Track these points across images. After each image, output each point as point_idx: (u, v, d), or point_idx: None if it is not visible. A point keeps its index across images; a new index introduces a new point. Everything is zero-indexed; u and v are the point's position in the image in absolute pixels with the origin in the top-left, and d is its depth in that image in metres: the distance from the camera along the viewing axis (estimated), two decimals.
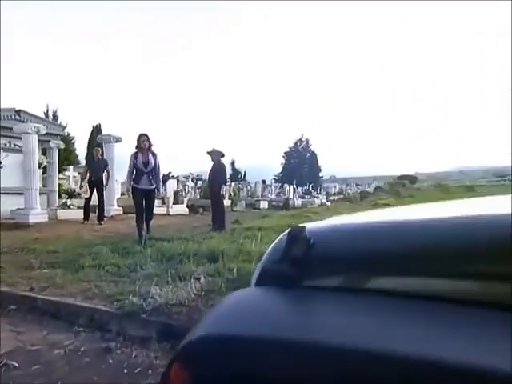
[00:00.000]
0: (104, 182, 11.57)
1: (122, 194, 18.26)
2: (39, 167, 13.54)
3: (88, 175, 11.58)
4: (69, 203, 12.30)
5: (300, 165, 68.70)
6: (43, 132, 11.25)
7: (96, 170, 11.47)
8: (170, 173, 43.81)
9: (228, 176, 11.19)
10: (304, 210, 16.63)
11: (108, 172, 11.60)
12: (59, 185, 14.51)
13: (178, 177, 46.46)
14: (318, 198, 27.40)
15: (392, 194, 27.64)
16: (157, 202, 15.49)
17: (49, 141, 14.01)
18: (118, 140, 13.26)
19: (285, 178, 69.23)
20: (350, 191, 48.14)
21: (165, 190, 17.69)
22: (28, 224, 10.71)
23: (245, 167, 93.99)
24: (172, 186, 18.03)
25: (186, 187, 21.02)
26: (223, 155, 9.75)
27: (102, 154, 12.40)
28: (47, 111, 37.72)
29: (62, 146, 14.37)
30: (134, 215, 8.38)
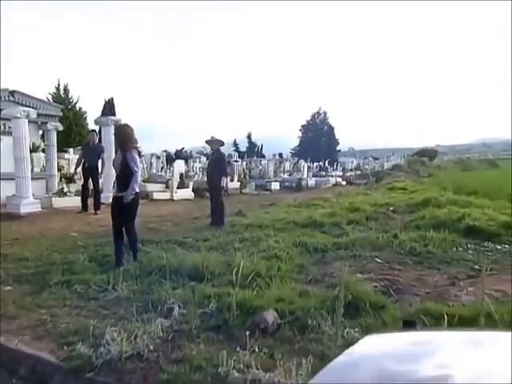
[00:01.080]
0: (99, 170, 10.84)
1: None
2: (36, 150, 12.92)
3: (82, 162, 10.88)
4: (65, 190, 11.66)
5: (317, 138, 67.19)
6: (34, 116, 10.54)
7: (91, 156, 10.74)
8: (183, 148, 43.05)
9: (230, 163, 10.30)
10: (314, 195, 15.70)
11: (103, 159, 10.86)
12: (60, 168, 13.87)
13: (191, 152, 45.85)
14: (332, 176, 26.36)
15: (410, 173, 26.50)
16: (161, 186, 14.82)
17: (46, 123, 13.30)
18: (117, 122, 12.47)
19: (301, 151, 67.99)
20: (367, 166, 46.99)
21: (172, 171, 16.99)
22: (19, 215, 10.12)
23: (262, 140, 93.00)
24: (179, 167, 17.29)
25: (194, 168, 20.25)
26: (223, 144, 8.93)
27: (100, 139, 11.66)
28: (58, 85, 37.07)
29: (61, 127, 13.65)
30: None
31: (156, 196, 13.68)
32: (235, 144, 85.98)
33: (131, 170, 5.65)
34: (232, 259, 5.51)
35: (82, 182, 10.97)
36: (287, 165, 38.07)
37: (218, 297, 4.29)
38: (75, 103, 37.92)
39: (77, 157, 13.81)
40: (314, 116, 70.81)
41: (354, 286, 4.31)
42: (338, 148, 67.62)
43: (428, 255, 6.10)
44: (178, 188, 14.46)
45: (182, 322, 3.89)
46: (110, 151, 12.26)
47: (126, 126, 6.14)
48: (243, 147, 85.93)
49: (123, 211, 5.79)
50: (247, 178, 18.99)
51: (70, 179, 12.91)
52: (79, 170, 11.08)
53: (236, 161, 19.75)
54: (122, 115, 46.03)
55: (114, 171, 6.37)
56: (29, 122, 12.99)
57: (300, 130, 71.72)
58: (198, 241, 7.11)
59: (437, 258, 5.99)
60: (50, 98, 37.49)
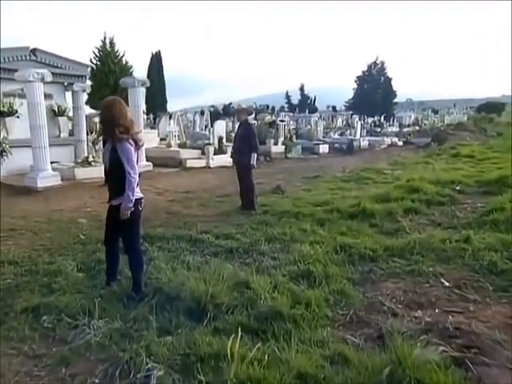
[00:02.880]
0: None
1: (162, 139, 16.51)
2: (62, 114, 11.95)
3: None
4: (90, 159, 10.64)
5: (373, 90, 63.43)
6: (49, 79, 9.40)
7: None
8: (230, 103, 41.38)
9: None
10: (367, 160, 13.92)
11: None
12: (90, 131, 12.85)
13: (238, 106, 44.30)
14: (387, 136, 24.19)
15: (476, 132, 23.87)
16: (197, 152, 13.54)
17: (72, 83, 12.20)
18: (144, 84, 11.19)
19: (356, 104, 64.58)
20: (426, 122, 43.67)
21: (211, 133, 15.69)
22: (36, 189, 9.22)
23: (315, 91, 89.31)
24: (220, 129, 15.95)
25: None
26: (251, 113, 7.45)
27: (126, 100, 10.43)
28: (104, 38, 36.04)
29: (89, 89, 12.53)
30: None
31: (190, 164, 12.47)
32: (287, 96, 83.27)
33: (124, 169, 3.92)
34: (250, 280, 4.20)
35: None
36: (340, 121, 35.83)
37: (214, 358, 3.02)
38: (121, 57, 36.97)
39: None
40: (370, 66, 66.70)
41: (409, 352, 2.91)
42: (394, 100, 63.66)
43: None
44: (215, 154, 13.15)
45: None
46: (137, 117, 11.07)
47: (114, 101, 4.07)
48: (295, 99, 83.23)
49: (120, 225, 4.15)
50: (293, 139, 17.35)
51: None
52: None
53: (282, 120, 18.09)
54: (170, 68, 44.77)
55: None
56: (53, 83, 12.02)
57: (355, 81, 68.07)
58: (219, 237, 5.83)
59: None
60: (96, 51, 36.80)
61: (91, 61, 36.63)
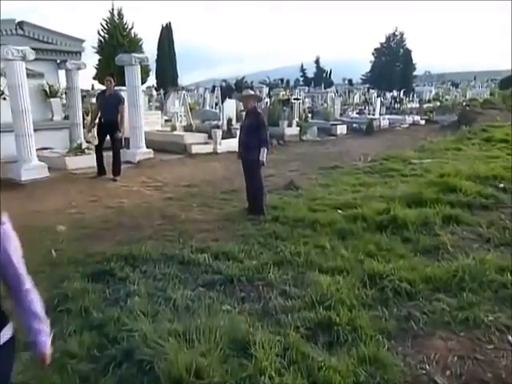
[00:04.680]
0: (119, 125, 8.55)
1: (167, 120, 15.32)
2: (55, 95, 10.84)
3: (99, 116, 8.65)
4: (84, 145, 9.56)
5: (391, 63, 61.00)
6: (31, 57, 8.25)
7: (107, 109, 8.45)
8: (243, 78, 39.80)
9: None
10: (389, 143, 12.61)
11: (122, 113, 8.54)
12: (86, 113, 11.76)
13: (252, 83, 42.60)
14: (408, 114, 22.69)
15: (504, 110, 22.22)
16: (203, 136, 12.35)
17: (65, 61, 11.04)
18: (142, 61, 9.99)
19: (373, 77, 62.26)
20: (447, 97, 41.67)
21: (219, 114, 14.49)
22: (20, 182, 8.21)
23: (331, 64, 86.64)
24: (229, 108, 14.72)
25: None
26: (261, 99, 6.25)
27: (118, 84, 9.29)
28: (112, 9, 34.51)
29: (84, 66, 11.35)
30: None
31: (196, 149, 11.33)
32: (302, 69, 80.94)
33: None
34: (252, 338, 3.12)
35: (95, 141, 8.80)
36: (357, 96, 34.15)
37: None
38: (130, 29, 35.47)
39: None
40: (388, 38, 64.09)
41: None
42: (413, 73, 61.15)
43: None
44: (224, 138, 11.96)
45: None
46: (135, 98, 9.91)
47: None
48: (310, 73, 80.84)
49: None
50: (308, 119, 16.04)
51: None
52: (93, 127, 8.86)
53: (296, 99, 16.76)
54: (181, 40, 43.09)
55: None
56: (44, 60, 10.89)
57: (373, 53, 65.56)
58: (218, 258, 4.74)
59: None
60: (103, 23, 35.33)
61: (99, 33, 35.26)
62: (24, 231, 5.34)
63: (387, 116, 21.31)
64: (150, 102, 24.04)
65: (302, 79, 79.85)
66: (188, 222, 6.14)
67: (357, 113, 21.42)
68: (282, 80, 70.60)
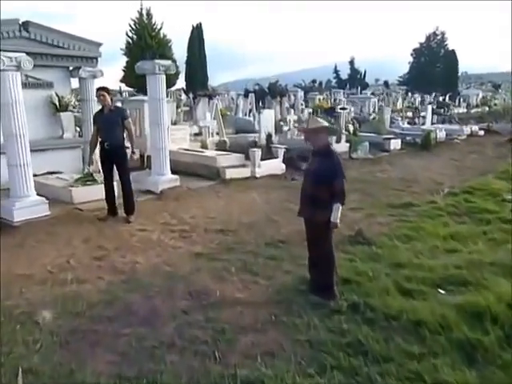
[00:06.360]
0: (125, 149, 6.76)
1: (198, 134, 13.53)
2: (66, 108, 9.19)
3: (99, 141, 6.88)
4: (95, 172, 7.83)
5: (431, 64, 58.12)
6: (29, 67, 6.54)
7: (109, 129, 6.67)
8: (277, 81, 37.67)
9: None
10: (458, 164, 10.47)
11: (128, 129, 6.75)
12: None
13: (286, 86, 40.57)
14: (456, 122, 20.37)
15: None
16: (239, 157, 10.40)
17: (79, 68, 9.37)
18: (167, 69, 8.19)
19: (411, 79, 59.36)
20: (496, 101, 38.75)
21: (258, 124, 12.65)
22: (12, 224, 6.52)
23: (365, 65, 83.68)
24: (267, 120, 12.85)
25: (289, 117, 15.51)
26: (335, 132, 4.45)
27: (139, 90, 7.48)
28: (141, 9, 33.10)
29: (101, 74, 9.67)
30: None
31: (230, 174, 9.49)
32: (336, 70, 78.26)
33: None
34: None
35: (98, 174, 7.08)
36: (399, 102, 31.74)
37: None
38: (159, 30, 34.01)
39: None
40: (428, 38, 61.18)
41: None
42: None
43: None
44: (262, 159, 10.09)
45: None
46: (159, 114, 8.14)
47: None
48: (344, 74, 78.14)
49: None
50: (357, 133, 14.01)
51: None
52: (94, 156, 7.07)
53: (343, 108, 14.76)
54: (208, 40, 41.34)
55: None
56: (54, 67, 9.26)
57: (411, 54, 62.73)
58: None
59: None
60: (131, 24, 33.99)
61: (127, 34, 33.96)
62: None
63: (441, 126, 19.10)
64: (178, 107, 22.38)
65: (334, 80, 77.34)
66: (226, 308, 4.29)
67: (407, 122, 19.19)
68: (314, 82, 68.37)
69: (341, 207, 4.21)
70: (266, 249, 5.87)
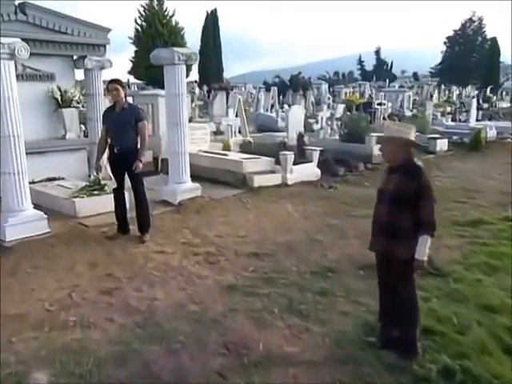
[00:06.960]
0: (140, 154, 5.99)
1: (216, 133, 12.77)
2: (70, 104, 8.52)
3: (108, 143, 6.12)
4: (104, 181, 7.12)
5: (467, 53, 56.66)
6: (25, 55, 5.84)
7: (120, 131, 5.92)
8: (299, 73, 36.76)
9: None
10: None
11: (142, 132, 5.98)
12: None
13: (309, 79, 39.92)
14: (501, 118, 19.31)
15: None
16: (269, 162, 9.61)
17: (84, 57, 8.68)
18: (188, 59, 7.44)
19: (444, 70, 57.96)
20: None
21: (285, 123, 11.88)
22: (3, 244, 5.83)
23: (392, 55, 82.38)
24: (296, 118, 12.05)
25: (321, 114, 14.63)
26: (415, 145, 3.52)
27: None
28: None
29: (109, 65, 8.97)
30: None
31: (259, 181, 8.72)
32: (360, 61, 77.12)
33: None
34: None
35: (112, 181, 6.33)
36: (435, 95, 30.67)
37: None
38: (171, 17, 33.40)
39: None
40: (464, 25, 59.68)
41: None
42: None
43: None
44: (294, 163, 9.30)
45: None
46: (179, 113, 7.41)
47: None
48: (369, 64, 76.95)
49: None
50: None
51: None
52: (102, 161, 6.29)
53: (380, 104, 13.90)
54: (223, 29, 40.48)
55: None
56: (57, 56, 8.58)
57: (445, 42, 61.29)
58: None
59: None
60: (141, 10, 33.43)
61: (136, 21, 33.42)
62: None
63: (489, 122, 18.13)
64: (192, 101, 21.69)
65: (358, 72, 76.23)
66: (273, 368, 3.51)
67: (451, 120, 18.22)
68: (337, 74, 67.37)
69: (430, 240, 3.40)
70: (313, 280, 5.09)
